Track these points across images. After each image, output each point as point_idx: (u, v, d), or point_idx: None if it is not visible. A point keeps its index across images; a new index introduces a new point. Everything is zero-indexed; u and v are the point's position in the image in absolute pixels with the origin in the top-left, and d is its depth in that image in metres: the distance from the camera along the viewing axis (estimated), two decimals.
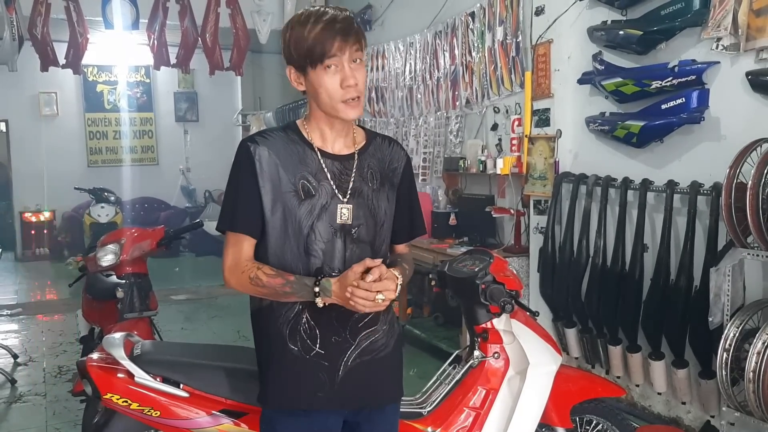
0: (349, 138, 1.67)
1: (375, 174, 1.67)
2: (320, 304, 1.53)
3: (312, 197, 1.59)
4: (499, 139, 4.78)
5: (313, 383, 1.62)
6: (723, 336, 2.71)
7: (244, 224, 1.60)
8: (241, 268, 1.58)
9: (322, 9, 1.57)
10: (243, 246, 1.60)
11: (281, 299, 1.58)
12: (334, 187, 1.61)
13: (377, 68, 6.52)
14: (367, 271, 1.49)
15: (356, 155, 1.66)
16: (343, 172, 1.63)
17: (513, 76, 4.59)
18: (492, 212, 4.52)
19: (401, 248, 1.80)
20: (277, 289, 1.55)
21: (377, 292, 1.46)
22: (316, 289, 1.52)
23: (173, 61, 6.66)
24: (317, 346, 1.61)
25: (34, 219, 9.68)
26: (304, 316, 1.60)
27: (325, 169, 1.61)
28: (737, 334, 2.67)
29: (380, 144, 1.72)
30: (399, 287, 1.53)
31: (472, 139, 5.10)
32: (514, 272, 2.34)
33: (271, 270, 1.57)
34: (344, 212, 1.60)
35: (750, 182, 2.53)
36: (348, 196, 1.61)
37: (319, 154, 1.62)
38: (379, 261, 1.51)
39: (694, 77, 3.12)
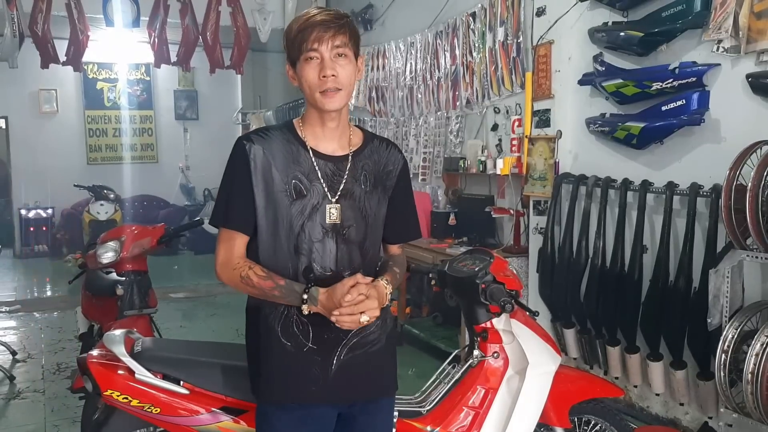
0: (345, 139, 1.68)
1: (369, 176, 1.68)
2: (305, 311, 1.57)
3: (303, 197, 1.60)
4: (499, 140, 4.79)
5: (307, 378, 1.64)
6: (721, 337, 2.71)
7: (236, 221, 1.62)
8: (232, 265, 1.61)
9: (319, 8, 1.61)
10: (235, 242, 1.63)
11: (269, 300, 1.61)
12: (326, 187, 1.62)
13: (378, 68, 6.53)
14: (374, 273, 1.56)
15: (350, 157, 1.67)
16: (335, 173, 1.64)
17: (513, 76, 4.59)
18: (492, 212, 4.53)
19: (394, 249, 1.83)
20: (266, 291, 1.59)
21: (361, 313, 1.52)
22: (304, 297, 1.56)
23: (174, 59, 6.67)
24: (310, 341, 1.63)
25: (33, 216, 9.67)
26: (295, 312, 1.62)
27: (318, 170, 1.62)
28: (736, 336, 2.67)
29: (377, 146, 1.73)
30: (389, 295, 1.60)
31: (472, 139, 5.11)
32: (514, 272, 2.35)
33: (263, 271, 1.60)
34: (333, 212, 1.62)
35: (750, 184, 2.53)
36: (338, 197, 1.62)
37: (312, 154, 1.63)
38: (369, 279, 1.57)
39: (694, 79, 3.12)
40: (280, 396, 1.66)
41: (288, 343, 1.63)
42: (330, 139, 1.66)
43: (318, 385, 1.64)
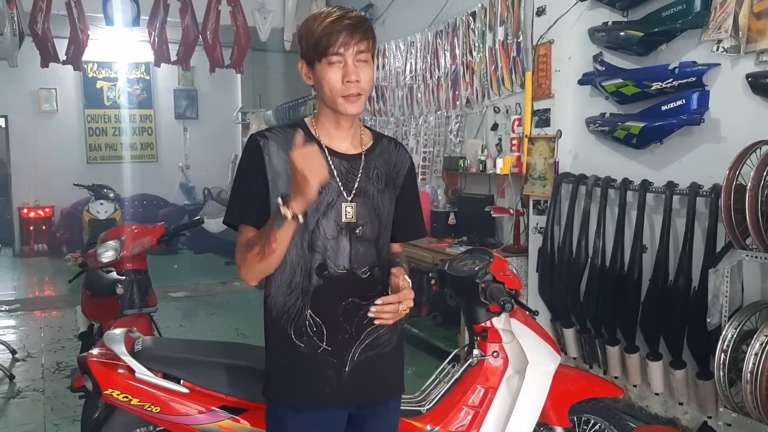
0: (356, 138, 1.69)
1: (381, 175, 1.69)
2: (288, 215, 1.42)
3: (318, 194, 1.59)
4: (499, 139, 4.79)
5: (321, 379, 1.64)
6: (721, 337, 2.72)
7: (251, 215, 1.60)
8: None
9: (337, 8, 1.60)
10: (248, 235, 1.60)
11: (269, 249, 1.48)
12: (341, 185, 1.62)
13: (378, 67, 6.52)
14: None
15: (363, 155, 1.68)
16: (349, 171, 1.65)
17: (513, 76, 4.59)
18: (491, 212, 4.53)
19: (396, 247, 1.83)
20: (261, 240, 1.49)
21: (399, 303, 1.52)
22: (279, 201, 1.44)
23: (174, 58, 6.66)
24: (324, 342, 1.63)
25: (32, 215, 9.67)
26: (308, 313, 1.62)
27: (333, 168, 1.62)
28: (735, 335, 2.67)
29: (386, 145, 1.75)
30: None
31: (472, 138, 5.11)
32: (514, 272, 2.35)
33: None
34: (348, 210, 1.62)
35: (749, 184, 2.54)
36: (353, 195, 1.63)
37: (327, 152, 1.63)
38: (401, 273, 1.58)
39: (694, 79, 3.13)
40: (294, 397, 1.66)
41: (301, 344, 1.63)
42: (343, 138, 1.66)
43: (332, 387, 1.64)
